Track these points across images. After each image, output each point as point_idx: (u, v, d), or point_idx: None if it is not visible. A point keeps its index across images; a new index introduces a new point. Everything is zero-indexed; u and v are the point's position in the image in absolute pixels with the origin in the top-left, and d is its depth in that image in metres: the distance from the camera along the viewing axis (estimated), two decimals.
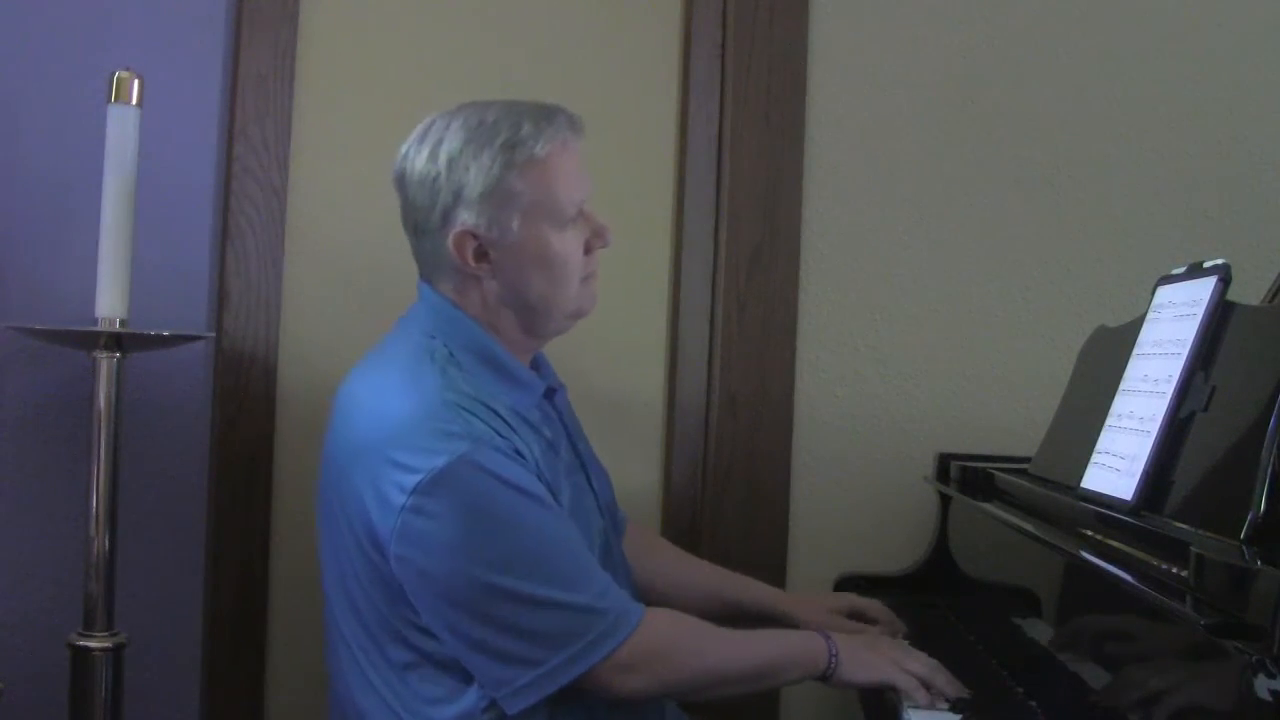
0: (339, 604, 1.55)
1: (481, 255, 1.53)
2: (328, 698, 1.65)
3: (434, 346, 1.52)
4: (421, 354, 1.52)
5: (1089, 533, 1.46)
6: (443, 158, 1.52)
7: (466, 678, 1.47)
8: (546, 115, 1.55)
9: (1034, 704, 1.49)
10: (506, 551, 1.42)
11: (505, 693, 1.44)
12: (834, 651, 1.56)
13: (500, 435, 1.46)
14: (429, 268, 1.59)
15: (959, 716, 1.50)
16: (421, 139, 1.55)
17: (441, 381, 1.48)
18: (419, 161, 1.54)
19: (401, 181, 1.57)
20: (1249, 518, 1.20)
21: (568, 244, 1.55)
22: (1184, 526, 1.30)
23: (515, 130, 1.52)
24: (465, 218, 1.51)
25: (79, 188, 1.91)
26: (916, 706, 1.54)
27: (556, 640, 1.43)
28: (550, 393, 1.63)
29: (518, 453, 1.47)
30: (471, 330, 1.55)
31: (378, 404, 1.50)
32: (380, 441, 1.45)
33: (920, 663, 1.57)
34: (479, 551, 1.41)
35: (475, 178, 1.50)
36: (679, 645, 1.52)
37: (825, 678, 1.56)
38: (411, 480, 1.40)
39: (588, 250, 1.59)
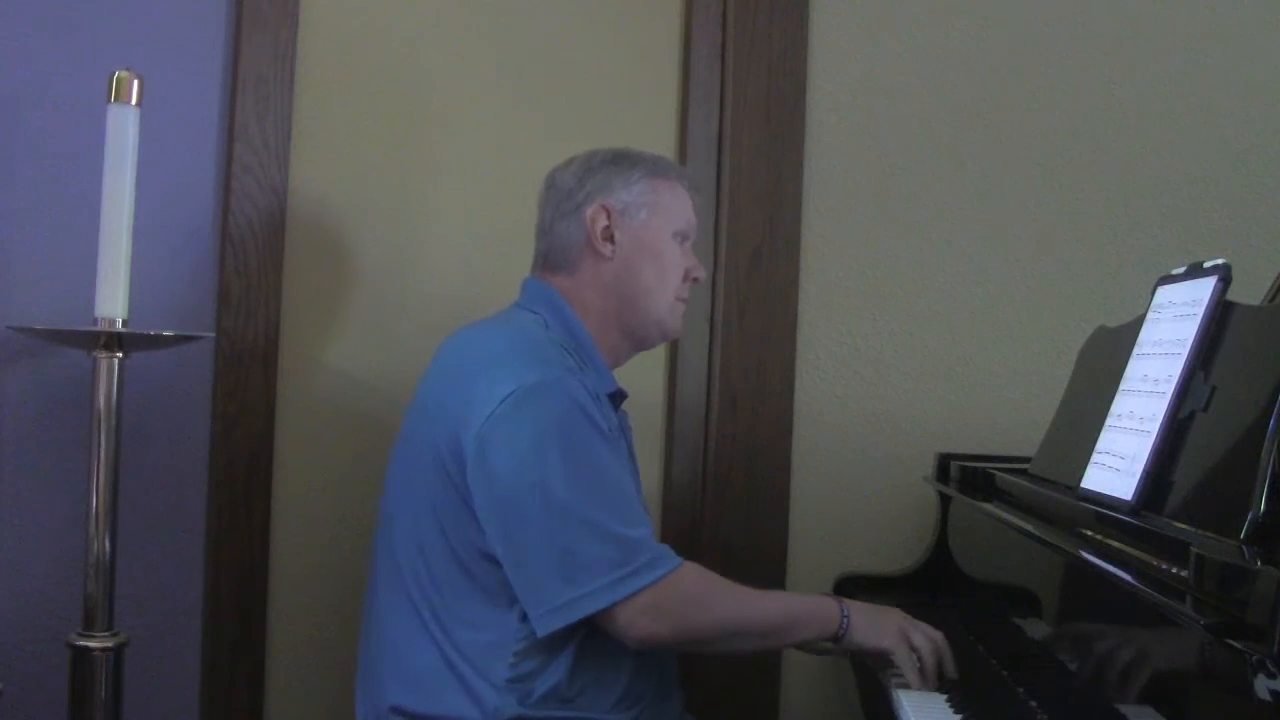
0: (404, 539, 1.64)
1: (608, 234, 1.72)
2: (346, 662, 1.74)
3: (535, 318, 1.71)
4: (524, 318, 1.71)
5: (1089, 533, 1.46)
6: (595, 161, 1.76)
7: (506, 610, 1.56)
8: (679, 167, 1.87)
9: (1034, 704, 1.49)
10: (575, 470, 1.53)
11: (541, 610, 1.52)
12: (846, 613, 1.62)
13: (586, 375, 1.62)
14: (552, 258, 1.76)
15: (958, 716, 1.50)
16: (569, 161, 1.79)
17: (540, 332, 1.67)
18: (571, 167, 1.77)
19: (550, 184, 1.78)
20: (1249, 518, 1.20)
21: (677, 254, 1.76)
22: (1184, 526, 1.30)
23: (656, 158, 1.79)
24: (605, 198, 1.73)
25: (79, 188, 1.91)
26: (905, 688, 1.57)
27: (598, 565, 1.51)
28: (620, 396, 1.75)
29: (596, 397, 1.61)
30: (569, 316, 1.72)
31: (478, 340, 1.69)
32: (479, 363, 1.63)
33: (925, 636, 1.61)
34: (551, 463, 1.52)
35: (619, 173, 1.75)
36: (702, 596, 1.58)
37: (836, 639, 1.62)
38: (504, 390, 1.54)
39: (685, 278, 1.77)
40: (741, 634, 1.62)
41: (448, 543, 1.59)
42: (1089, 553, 1.37)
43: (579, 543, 1.51)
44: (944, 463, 2.07)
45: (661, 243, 1.74)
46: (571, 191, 1.75)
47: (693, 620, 1.56)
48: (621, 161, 1.76)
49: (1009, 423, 2.25)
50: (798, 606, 1.67)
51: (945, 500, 2.06)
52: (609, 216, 1.72)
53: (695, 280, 1.80)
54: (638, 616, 1.51)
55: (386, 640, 1.66)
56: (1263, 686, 0.97)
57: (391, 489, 1.72)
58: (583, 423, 1.55)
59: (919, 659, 1.59)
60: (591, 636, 1.56)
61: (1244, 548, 1.17)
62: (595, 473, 1.55)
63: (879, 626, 1.62)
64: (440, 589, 1.60)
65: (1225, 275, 1.47)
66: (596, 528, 1.51)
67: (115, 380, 1.80)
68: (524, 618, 1.55)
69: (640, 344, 1.79)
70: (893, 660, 1.61)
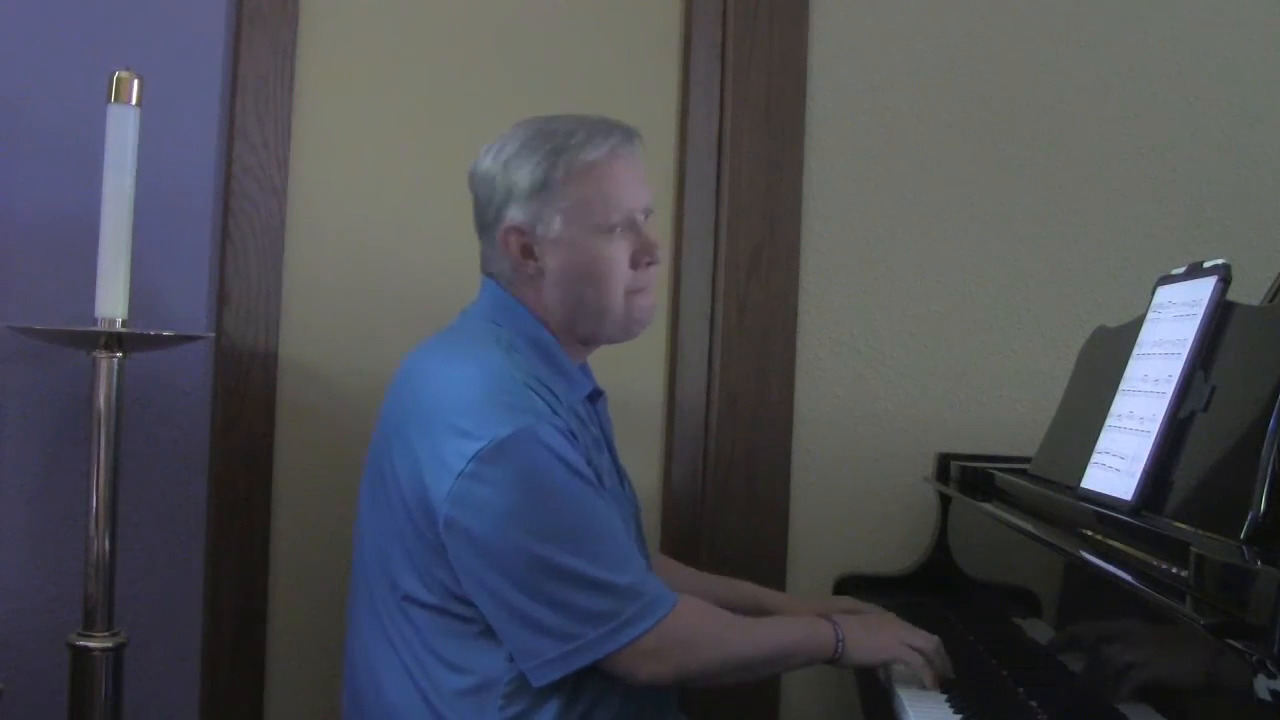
0: (374, 569, 1.58)
1: (528, 252, 1.60)
2: (342, 670, 1.68)
3: (498, 332, 1.59)
4: (487, 336, 1.59)
5: (1089, 533, 1.46)
6: (502, 158, 1.60)
7: (490, 650, 1.50)
8: (602, 126, 1.61)
9: (1034, 704, 1.49)
10: (558, 525, 1.47)
11: (534, 663, 1.47)
12: (840, 636, 1.59)
13: (558, 415, 1.52)
14: (491, 263, 1.66)
15: (958, 717, 1.50)
16: (493, 144, 1.64)
17: (506, 360, 1.55)
18: (485, 162, 1.63)
19: (471, 181, 1.66)
20: (1249, 518, 1.20)
21: (612, 251, 1.59)
22: (1184, 526, 1.30)
23: (567, 138, 1.58)
24: (513, 214, 1.59)
25: (79, 188, 1.91)
26: (908, 686, 1.57)
27: (593, 616, 1.46)
28: (596, 395, 1.67)
29: (572, 434, 1.53)
30: (529, 322, 1.61)
31: (442, 375, 1.56)
32: (444, 409, 1.51)
33: (923, 639, 1.61)
34: (532, 522, 1.46)
35: (524, 177, 1.58)
36: (703, 634, 1.54)
37: (833, 661, 1.60)
38: (473, 447, 1.45)
39: (634, 264, 1.61)
40: (741, 668, 1.59)
41: (421, 582, 1.52)
42: (1089, 553, 1.37)
43: (569, 598, 1.45)
44: (944, 463, 2.07)
45: (586, 249, 1.57)
46: (483, 206, 1.62)
47: (693, 659, 1.52)
48: (530, 154, 1.58)
49: (1009, 423, 2.25)
50: (792, 636, 1.62)
51: (945, 500, 2.06)
52: (521, 234, 1.58)
53: (649, 264, 1.62)
54: (639, 661, 1.48)
55: (369, 673, 1.59)
56: (1263, 686, 0.97)
57: (364, 504, 1.65)
58: (559, 471, 1.47)
59: (926, 659, 1.58)
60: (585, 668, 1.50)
61: (1244, 548, 1.17)
62: (578, 523, 1.48)
63: (875, 643, 1.60)
64: (418, 628, 1.53)
65: (1225, 275, 1.47)
66: (586, 581, 1.45)
67: (115, 380, 1.80)
68: (510, 656, 1.49)
69: (605, 342, 1.68)
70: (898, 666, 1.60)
